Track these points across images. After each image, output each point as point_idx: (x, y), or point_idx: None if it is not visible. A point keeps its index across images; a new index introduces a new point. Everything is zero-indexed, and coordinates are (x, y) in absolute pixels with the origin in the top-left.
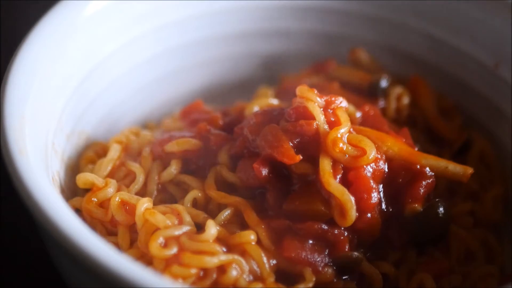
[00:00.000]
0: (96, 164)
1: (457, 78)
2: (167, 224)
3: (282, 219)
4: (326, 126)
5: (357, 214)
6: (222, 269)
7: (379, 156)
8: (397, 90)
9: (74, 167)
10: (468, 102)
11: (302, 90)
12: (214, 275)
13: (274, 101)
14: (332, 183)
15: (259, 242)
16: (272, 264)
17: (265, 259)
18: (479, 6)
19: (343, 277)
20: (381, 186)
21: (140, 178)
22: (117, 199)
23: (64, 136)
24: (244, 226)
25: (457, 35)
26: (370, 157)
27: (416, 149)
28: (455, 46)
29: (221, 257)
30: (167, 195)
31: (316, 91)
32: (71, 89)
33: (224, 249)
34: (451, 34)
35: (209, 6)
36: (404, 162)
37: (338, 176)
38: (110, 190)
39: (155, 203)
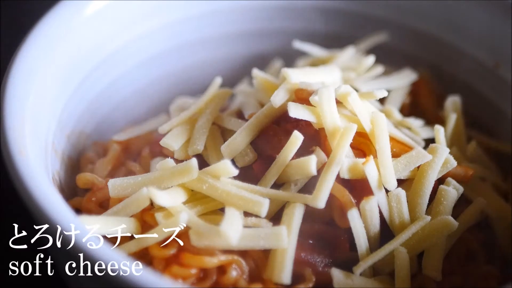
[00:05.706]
0: (96, 164)
1: (457, 78)
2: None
3: None
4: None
5: None
6: (222, 269)
7: None
8: None
9: (74, 167)
10: (468, 102)
11: None
12: (214, 276)
13: None
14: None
15: None
16: None
17: None
18: (479, 6)
19: None
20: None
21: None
22: None
23: (64, 136)
24: None
25: (457, 35)
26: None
27: None
28: (455, 46)
29: (221, 257)
30: None
31: None
32: (71, 89)
33: None
34: (451, 34)
35: (209, 6)
36: None
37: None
38: None
39: None
